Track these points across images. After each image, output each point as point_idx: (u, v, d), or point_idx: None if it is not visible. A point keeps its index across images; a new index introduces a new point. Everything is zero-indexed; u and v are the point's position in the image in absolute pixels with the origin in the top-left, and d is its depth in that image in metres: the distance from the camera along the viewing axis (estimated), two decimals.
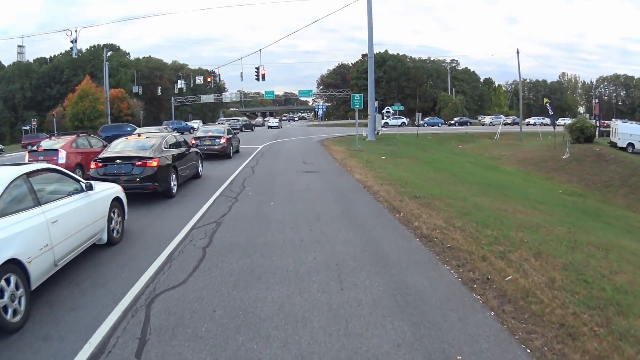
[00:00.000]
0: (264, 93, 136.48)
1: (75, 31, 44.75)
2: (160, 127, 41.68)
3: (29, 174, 8.28)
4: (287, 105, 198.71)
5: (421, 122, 65.51)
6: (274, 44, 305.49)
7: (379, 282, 8.12)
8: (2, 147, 68.25)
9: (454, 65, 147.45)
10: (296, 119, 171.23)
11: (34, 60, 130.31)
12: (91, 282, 8.53)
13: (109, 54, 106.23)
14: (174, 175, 16.87)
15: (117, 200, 11.48)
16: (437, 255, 9.60)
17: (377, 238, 11.08)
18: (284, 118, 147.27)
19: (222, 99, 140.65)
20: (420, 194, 15.96)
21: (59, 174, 9.81)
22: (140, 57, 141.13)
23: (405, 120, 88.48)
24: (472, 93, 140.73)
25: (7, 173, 7.86)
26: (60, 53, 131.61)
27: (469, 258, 9.17)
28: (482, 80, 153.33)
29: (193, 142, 27.96)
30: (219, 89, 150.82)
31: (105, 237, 10.61)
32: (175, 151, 17.87)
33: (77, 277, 8.71)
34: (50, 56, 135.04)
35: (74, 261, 9.08)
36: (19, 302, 6.81)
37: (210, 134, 29.67)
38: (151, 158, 15.67)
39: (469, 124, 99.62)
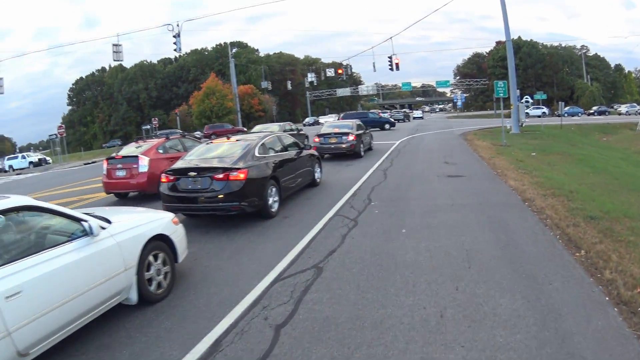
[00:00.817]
0: (400, 85, 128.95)
1: (178, 25, 41.34)
2: (282, 123, 36.40)
3: None
4: (425, 97, 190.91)
5: (560, 111, 59.49)
6: (405, 33, 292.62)
7: None
8: (49, 159, 60.39)
9: (584, 51, 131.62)
10: (437, 110, 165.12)
11: (157, 61, 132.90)
12: None
13: (234, 50, 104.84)
14: (273, 189, 12.03)
15: (161, 239, 7.02)
16: None
17: (558, 307, 6.06)
18: (425, 109, 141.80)
19: (358, 92, 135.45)
20: (593, 211, 10.55)
21: (45, 212, 5.69)
22: (271, 54, 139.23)
23: (545, 109, 78.25)
24: (605, 80, 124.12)
25: None
26: (186, 53, 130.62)
27: None
28: (612, 66, 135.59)
29: (316, 140, 23.69)
30: (355, 82, 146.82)
31: (134, 297, 6.52)
32: (277, 157, 12.96)
33: None
34: (175, 56, 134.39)
35: None
36: None
37: (336, 130, 24.67)
38: (236, 169, 10.87)
39: (607, 113, 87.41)
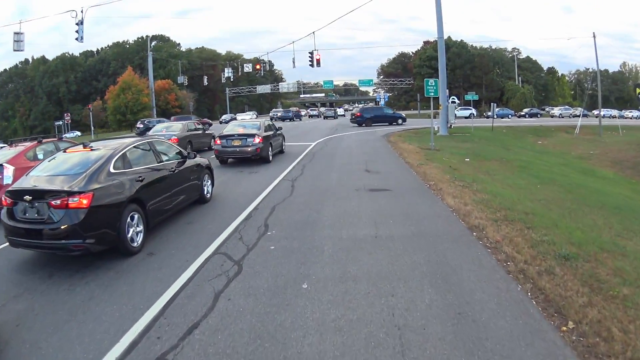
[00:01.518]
0: (322, 83, 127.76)
1: (82, 12, 38.26)
2: (185, 122, 32.47)
3: None
4: (347, 96, 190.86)
5: (489, 113, 58.70)
6: (330, 32, 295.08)
7: None
8: None
9: (515, 54, 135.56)
10: (354, 108, 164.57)
11: (80, 53, 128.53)
12: None
13: (153, 44, 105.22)
14: (135, 216, 9.09)
15: None
16: None
17: None
18: (347, 107, 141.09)
19: (278, 89, 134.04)
20: (564, 246, 8.41)
21: None
22: (193, 49, 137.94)
23: (473, 111, 77.77)
24: (536, 83, 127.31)
25: None
26: (108, 45, 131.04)
27: None
28: (545, 69, 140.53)
29: (217, 142, 21.10)
30: (276, 79, 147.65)
31: None
32: (145, 172, 9.91)
33: None
34: (98, 49, 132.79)
35: None
36: None
37: (241, 130, 21.79)
38: (78, 193, 8.03)
39: (539, 115, 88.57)
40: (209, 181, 13.77)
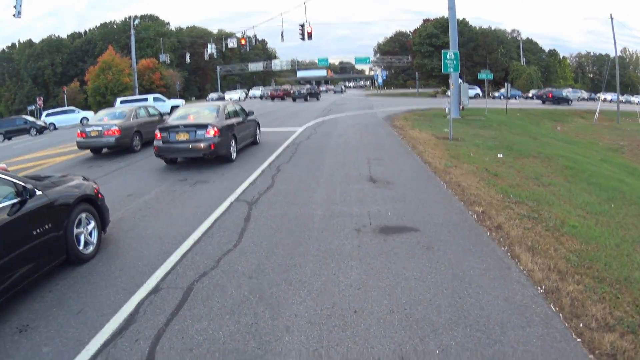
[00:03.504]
0: (317, 61, 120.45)
1: None
2: (134, 105, 25.80)
3: None
4: (342, 74, 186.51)
5: (496, 94, 52.87)
6: (324, 7, 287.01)
7: None
8: None
9: (515, 35, 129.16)
10: (351, 87, 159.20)
11: (67, 35, 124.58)
12: None
13: (136, 22, 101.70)
14: None
15: None
16: None
17: None
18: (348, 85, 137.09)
19: (271, 67, 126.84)
20: None
21: None
22: (184, 28, 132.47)
23: (479, 90, 72.40)
24: (538, 64, 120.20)
25: None
26: (95, 26, 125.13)
27: None
28: (547, 51, 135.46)
29: (158, 136, 14.92)
30: (270, 57, 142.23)
31: None
32: None
33: None
34: (85, 30, 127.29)
35: None
36: None
37: (190, 119, 15.62)
38: None
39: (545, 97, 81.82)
40: (90, 225, 7.64)
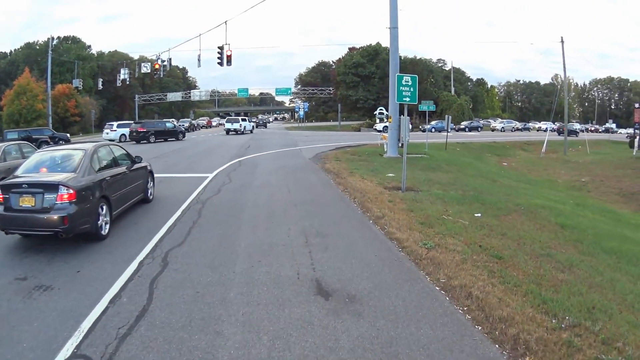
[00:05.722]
0: (237, 92, 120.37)
1: None
2: None
3: None
4: (262, 106, 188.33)
5: (426, 126, 50.23)
6: (245, 37, 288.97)
7: None
8: None
9: (440, 65, 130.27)
10: (271, 120, 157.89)
11: None
12: None
13: (56, 44, 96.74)
14: None
15: None
16: None
17: None
18: (269, 120, 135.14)
19: (190, 97, 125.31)
20: None
21: None
22: (105, 52, 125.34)
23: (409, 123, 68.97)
24: (465, 94, 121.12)
25: None
26: (20, 47, 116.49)
27: None
28: (474, 80, 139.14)
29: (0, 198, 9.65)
30: (190, 86, 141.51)
31: None
32: None
33: None
34: (10, 50, 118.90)
35: None
36: None
37: (42, 173, 10.44)
38: None
39: (479, 129, 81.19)
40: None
